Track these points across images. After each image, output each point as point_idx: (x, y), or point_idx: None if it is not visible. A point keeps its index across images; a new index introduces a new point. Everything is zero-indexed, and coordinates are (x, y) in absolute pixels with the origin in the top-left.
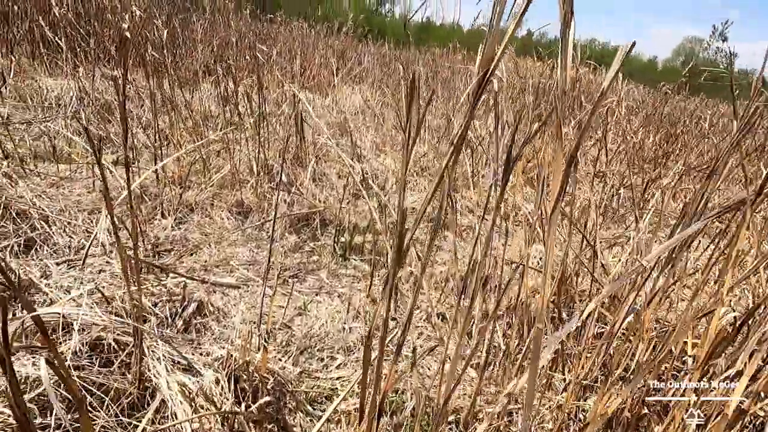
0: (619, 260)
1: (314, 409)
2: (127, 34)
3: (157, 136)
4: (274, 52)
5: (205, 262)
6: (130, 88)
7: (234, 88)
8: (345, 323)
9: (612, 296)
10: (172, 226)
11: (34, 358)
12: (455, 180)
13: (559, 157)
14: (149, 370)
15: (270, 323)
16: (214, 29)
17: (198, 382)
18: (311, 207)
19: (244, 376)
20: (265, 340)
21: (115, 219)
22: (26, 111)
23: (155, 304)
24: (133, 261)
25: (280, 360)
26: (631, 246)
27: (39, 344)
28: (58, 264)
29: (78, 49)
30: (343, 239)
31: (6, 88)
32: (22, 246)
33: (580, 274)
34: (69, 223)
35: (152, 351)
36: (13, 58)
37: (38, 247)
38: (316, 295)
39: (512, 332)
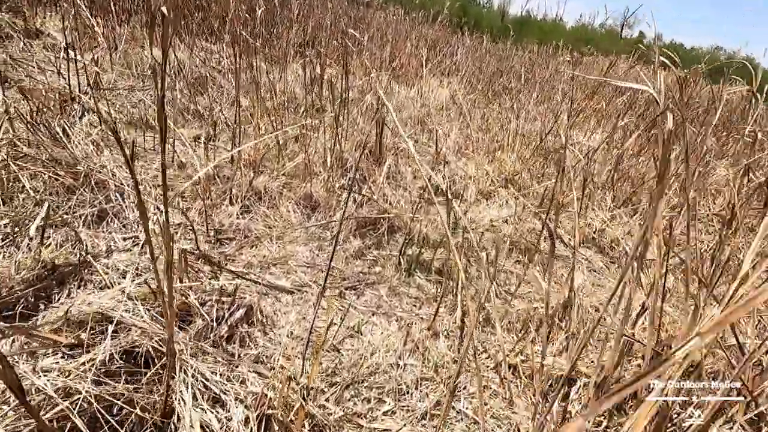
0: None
1: None
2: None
3: (237, 116)
4: (366, 38)
5: (264, 257)
6: (223, 63)
7: (321, 73)
8: (400, 358)
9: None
10: (238, 214)
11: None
12: (552, 199)
13: None
14: (175, 394)
15: (318, 346)
16: (312, 10)
17: (224, 419)
18: (381, 211)
19: (280, 417)
20: (304, 396)
21: (177, 201)
22: (130, 78)
23: (204, 303)
24: (180, 253)
25: (323, 392)
26: None
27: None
28: (125, 239)
29: (185, 21)
30: (410, 252)
31: (117, 55)
32: (95, 216)
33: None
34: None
35: (184, 370)
36: (128, 27)
37: (110, 220)
38: (373, 315)
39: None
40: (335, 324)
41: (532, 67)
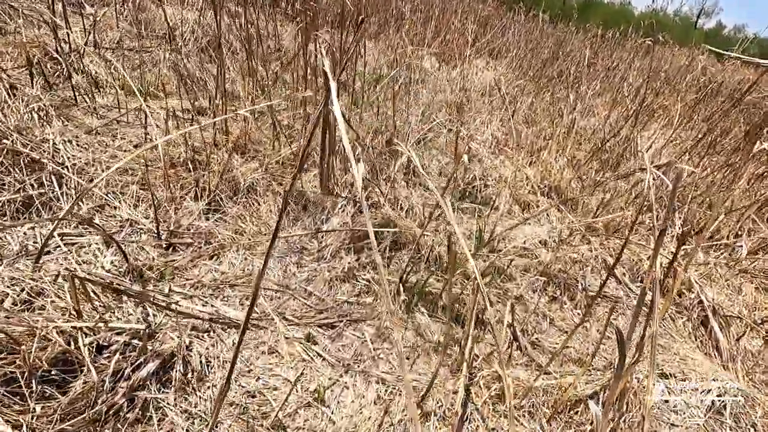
0: None
1: None
2: None
3: (221, 82)
4: (407, 9)
5: (222, 274)
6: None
7: (341, 46)
8: None
9: None
10: (202, 212)
11: None
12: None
13: None
14: None
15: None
16: None
17: None
18: (384, 221)
19: None
20: None
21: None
22: (137, 39)
23: (108, 346)
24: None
25: None
26: None
27: None
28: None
29: None
30: (414, 278)
31: (126, 11)
32: (17, 204)
33: None
34: (82, 183)
35: None
36: None
37: (34, 210)
38: (346, 372)
39: None
40: (288, 381)
41: (595, 54)
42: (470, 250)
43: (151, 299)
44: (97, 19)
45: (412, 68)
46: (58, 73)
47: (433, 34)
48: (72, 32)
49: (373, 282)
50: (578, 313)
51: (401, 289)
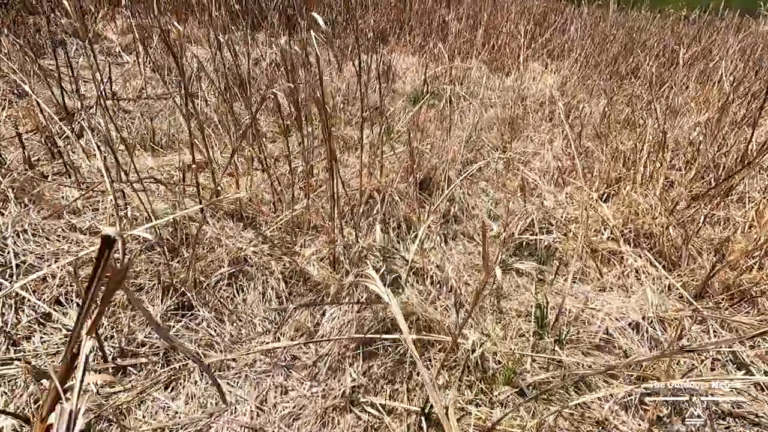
0: None
1: None
2: None
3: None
4: (451, 16)
5: (174, 416)
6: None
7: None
8: None
9: None
10: (167, 313)
11: None
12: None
13: None
14: None
15: None
16: None
17: None
18: (403, 313)
19: None
20: None
21: None
22: (161, 85)
23: None
24: None
25: None
26: None
27: None
28: None
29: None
30: (446, 399)
31: (149, 58)
32: None
33: None
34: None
35: None
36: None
37: None
38: None
39: None
40: None
41: (680, 40)
42: (528, 339)
43: None
44: (127, 68)
45: (459, 81)
46: (65, 135)
47: (482, 40)
48: (93, 84)
49: (386, 413)
50: None
51: (423, 425)
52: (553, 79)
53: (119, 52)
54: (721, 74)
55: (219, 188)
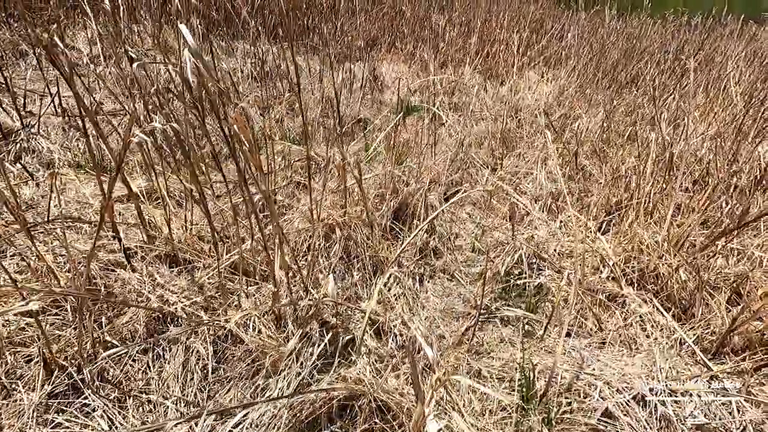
0: None
1: None
2: None
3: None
4: (442, 22)
5: None
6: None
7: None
8: None
9: None
10: (43, 408)
11: None
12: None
13: None
14: None
15: None
16: None
17: None
18: (351, 390)
19: None
20: None
21: None
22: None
23: None
24: None
25: None
26: None
27: None
28: None
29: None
30: None
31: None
32: None
33: None
34: None
35: None
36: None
37: None
38: None
39: None
40: None
41: (682, 47)
42: (511, 416)
43: None
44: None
45: (450, 91)
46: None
47: (476, 48)
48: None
49: None
50: None
51: None
52: (550, 88)
53: (86, 63)
54: (728, 82)
55: (148, 227)
